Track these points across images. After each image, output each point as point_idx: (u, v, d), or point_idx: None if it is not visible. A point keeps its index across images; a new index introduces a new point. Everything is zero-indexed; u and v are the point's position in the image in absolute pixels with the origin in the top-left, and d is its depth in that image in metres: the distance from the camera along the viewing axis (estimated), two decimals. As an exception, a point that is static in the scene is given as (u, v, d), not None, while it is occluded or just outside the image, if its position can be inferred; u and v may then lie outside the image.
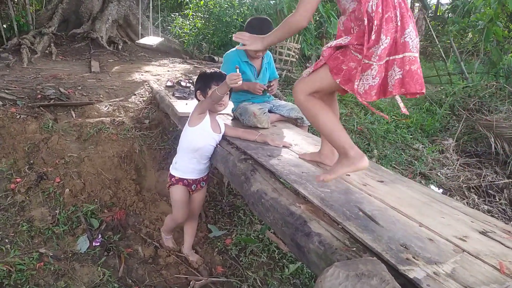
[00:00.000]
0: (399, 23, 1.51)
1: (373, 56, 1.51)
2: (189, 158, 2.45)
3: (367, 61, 1.53)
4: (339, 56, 1.64)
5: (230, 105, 3.18)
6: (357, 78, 1.56)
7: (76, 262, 2.55)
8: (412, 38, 1.53)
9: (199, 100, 2.42)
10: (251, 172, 1.98)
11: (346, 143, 1.66)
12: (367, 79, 1.55)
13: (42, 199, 2.96)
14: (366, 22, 1.51)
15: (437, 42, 8.54)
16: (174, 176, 2.50)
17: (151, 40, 7.36)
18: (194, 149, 2.41)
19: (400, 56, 1.52)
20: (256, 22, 2.81)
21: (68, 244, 2.68)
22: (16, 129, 3.37)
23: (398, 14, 1.51)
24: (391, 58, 1.53)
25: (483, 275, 1.12)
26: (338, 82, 1.62)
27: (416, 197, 1.73)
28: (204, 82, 2.37)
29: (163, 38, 7.73)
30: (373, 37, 1.50)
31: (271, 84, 2.97)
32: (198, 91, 2.41)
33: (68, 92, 4.15)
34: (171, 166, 2.55)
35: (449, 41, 8.20)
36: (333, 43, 1.66)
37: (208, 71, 2.45)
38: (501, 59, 6.21)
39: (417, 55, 1.55)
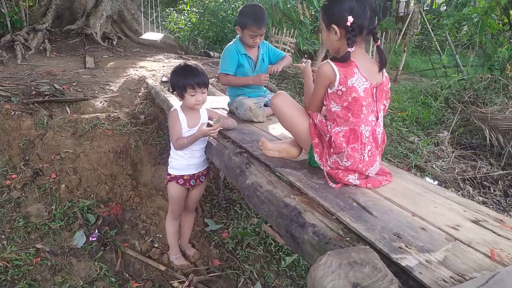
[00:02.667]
0: (366, 158, 1.68)
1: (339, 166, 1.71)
2: (181, 155, 2.40)
3: (332, 165, 1.72)
4: (316, 131, 1.82)
5: (227, 99, 3.19)
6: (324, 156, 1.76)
7: (73, 257, 2.56)
8: (371, 172, 1.74)
9: (181, 100, 2.29)
10: (246, 165, 1.99)
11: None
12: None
13: (38, 195, 2.96)
14: (327, 139, 1.73)
15: (433, 36, 8.55)
16: (170, 175, 2.46)
17: (154, 35, 7.42)
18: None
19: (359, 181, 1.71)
20: (248, 9, 2.77)
21: (64, 239, 2.69)
22: (11, 126, 3.36)
23: (366, 150, 1.68)
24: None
25: (474, 262, 1.13)
26: (312, 142, 1.80)
27: (410, 188, 1.74)
28: (178, 82, 2.21)
29: (164, 34, 7.76)
30: (333, 156, 1.70)
31: (271, 69, 2.79)
32: (174, 92, 2.27)
33: (63, 88, 4.13)
34: (168, 165, 2.49)
35: (444, 34, 8.20)
36: (318, 119, 1.82)
37: (182, 65, 2.28)
38: (496, 52, 6.22)
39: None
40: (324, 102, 1.79)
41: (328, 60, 1.70)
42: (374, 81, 1.71)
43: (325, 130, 1.75)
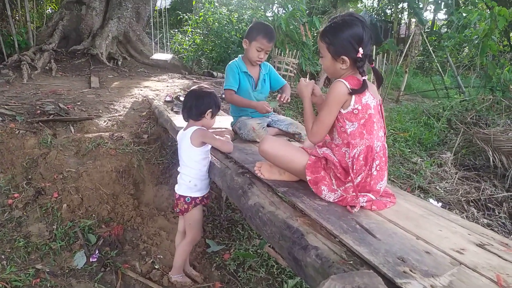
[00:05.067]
0: (374, 173, 1.68)
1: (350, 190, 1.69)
2: (204, 175, 2.44)
3: (343, 193, 1.70)
4: (321, 165, 1.78)
5: (230, 119, 3.20)
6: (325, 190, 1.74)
7: (73, 278, 2.53)
8: (382, 187, 1.74)
9: (203, 118, 2.35)
10: (249, 186, 1.98)
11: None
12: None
13: (40, 214, 2.95)
14: (350, 164, 1.68)
15: (434, 57, 8.64)
16: (197, 198, 2.42)
17: (164, 56, 7.75)
18: (207, 165, 2.43)
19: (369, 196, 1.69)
20: (260, 25, 2.86)
21: (65, 260, 2.66)
22: (14, 145, 3.38)
23: (375, 165, 1.68)
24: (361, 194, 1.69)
25: (480, 288, 1.12)
26: (308, 179, 1.77)
27: (414, 210, 1.73)
28: (213, 100, 2.36)
29: (172, 55, 8.04)
30: (354, 179, 1.68)
31: (282, 98, 2.72)
32: (209, 110, 2.34)
33: (68, 107, 4.17)
34: (189, 190, 2.40)
35: (445, 56, 8.30)
36: (321, 151, 1.77)
37: (209, 90, 2.43)
38: (495, 73, 6.27)
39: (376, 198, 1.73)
40: (338, 124, 1.73)
41: (340, 79, 1.67)
42: (378, 98, 1.75)
43: (343, 157, 1.72)
